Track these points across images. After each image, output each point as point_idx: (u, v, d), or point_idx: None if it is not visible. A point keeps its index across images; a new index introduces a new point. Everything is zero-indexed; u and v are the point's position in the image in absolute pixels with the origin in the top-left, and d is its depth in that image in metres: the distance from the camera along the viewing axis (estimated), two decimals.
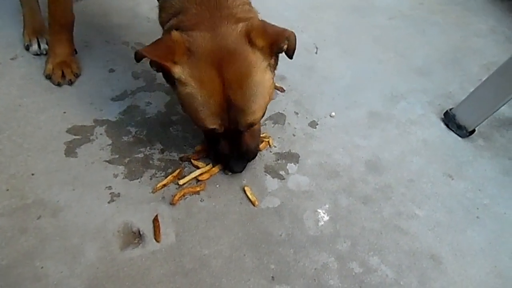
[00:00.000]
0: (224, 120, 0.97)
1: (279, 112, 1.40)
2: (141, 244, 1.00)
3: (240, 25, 0.94)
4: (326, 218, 1.12)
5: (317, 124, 1.38)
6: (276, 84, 1.49)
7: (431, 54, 1.81)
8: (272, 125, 1.35)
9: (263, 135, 1.28)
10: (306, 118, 1.40)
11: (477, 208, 1.23)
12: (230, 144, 1.06)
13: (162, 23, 1.05)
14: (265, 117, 1.36)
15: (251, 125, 1.02)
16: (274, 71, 1.03)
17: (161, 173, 1.15)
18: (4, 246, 0.95)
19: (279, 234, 1.07)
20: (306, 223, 1.10)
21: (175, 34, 0.92)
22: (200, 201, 1.10)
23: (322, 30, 1.82)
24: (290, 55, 1.02)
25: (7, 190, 1.04)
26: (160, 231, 1.02)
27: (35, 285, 0.90)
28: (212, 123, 0.97)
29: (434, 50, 1.84)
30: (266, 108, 1.03)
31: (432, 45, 1.87)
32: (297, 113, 1.41)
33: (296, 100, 1.46)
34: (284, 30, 0.97)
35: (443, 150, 1.39)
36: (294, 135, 1.33)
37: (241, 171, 1.12)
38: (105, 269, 0.94)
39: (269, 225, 1.08)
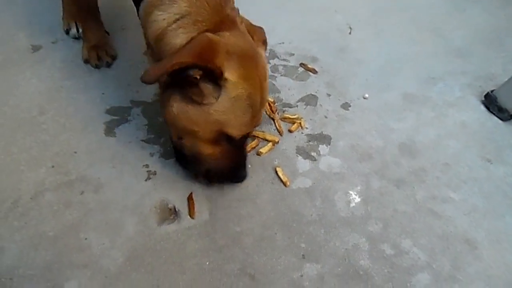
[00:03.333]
0: (256, 121, 0.98)
1: (311, 94, 1.39)
2: (176, 220, 1.04)
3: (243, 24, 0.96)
4: (357, 199, 1.12)
5: (350, 106, 1.37)
6: (308, 66, 1.47)
7: (472, 34, 1.73)
8: (304, 107, 1.34)
9: (295, 116, 1.28)
10: (339, 100, 1.38)
11: None
12: (236, 152, 1.01)
13: (159, 24, 0.90)
14: (296, 98, 1.37)
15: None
16: None
17: None
18: (51, 218, 1.01)
19: (310, 214, 1.08)
20: (337, 204, 1.11)
21: (211, 35, 0.85)
22: None
23: (356, 10, 1.77)
24: None
25: (53, 167, 1.11)
26: (195, 208, 1.05)
27: (79, 255, 0.96)
28: (248, 127, 0.95)
29: (475, 29, 1.75)
30: None
31: (473, 24, 1.78)
32: (329, 95, 1.39)
33: (329, 82, 1.44)
34: (262, 29, 1.04)
35: (482, 134, 1.34)
36: (326, 117, 1.32)
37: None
38: (143, 242, 0.99)
39: (300, 205, 1.09)
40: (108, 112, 1.26)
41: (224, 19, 0.89)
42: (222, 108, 0.89)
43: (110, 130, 1.21)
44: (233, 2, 0.94)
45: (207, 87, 0.87)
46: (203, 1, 0.87)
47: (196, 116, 0.91)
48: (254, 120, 0.96)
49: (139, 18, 0.98)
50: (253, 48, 0.92)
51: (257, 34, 0.98)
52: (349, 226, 1.06)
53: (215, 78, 0.86)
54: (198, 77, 0.85)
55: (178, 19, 0.87)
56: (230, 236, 1.02)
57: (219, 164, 1.01)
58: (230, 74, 0.86)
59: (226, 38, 0.87)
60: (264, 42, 0.99)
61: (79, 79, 1.34)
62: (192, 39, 0.86)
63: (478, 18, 1.82)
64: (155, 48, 0.93)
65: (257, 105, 0.93)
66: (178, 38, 0.87)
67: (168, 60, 0.83)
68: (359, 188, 1.15)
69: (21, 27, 1.49)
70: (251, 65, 0.90)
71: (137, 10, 0.98)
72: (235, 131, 0.94)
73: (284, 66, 1.47)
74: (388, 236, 1.05)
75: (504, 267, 1.03)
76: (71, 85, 1.32)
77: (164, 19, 0.88)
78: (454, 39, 1.70)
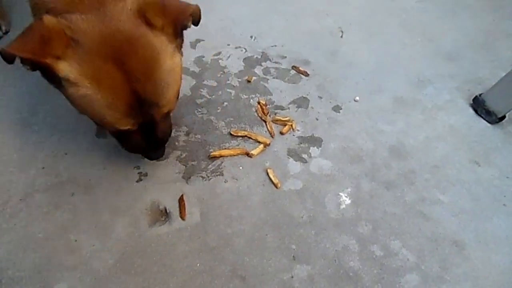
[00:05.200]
0: (136, 117, 0.82)
1: (302, 96, 1.40)
2: (167, 222, 1.04)
3: (129, 1, 0.74)
4: (348, 201, 1.13)
5: (341, 109, 1.38)
6: (300, 68, 1.49)
7: (461, 38, 1.75)
8: (296, 109, 1.35)
9: (287, 118, 1.29)
10: (330, 102, 1.40)
11: (504, 196, 1.20)
12: (144, 136, 0.90)
13: (33, 6, 0.80)
14: (288, 100, 1.37)
15: (167, 114, 0.89)
16: (181, 50, 0.86)
17: (186, 154, 1.18)
18: (41, 220, 1.01)
19: (300, 216, 1.09)
20: (328, 206, 1.12)
21: (48, 19, 0.70)
22: (224, 182, 1.13)
23: (348, 14, 1.79)
24: (195, 25, 0.85)
25: (43, 168, 1.10)
26: (186, 210, 1.05)
27: (69, 256, 0.95)
28: (124, 124, 0.82)
29: (464, 34, 1.78)
30: (179, 92, 0.89)
31: (462, 28, 1.81)
32: (320, 97, 1.41)
33: (320, 85, 1.45)
34: (188, 5, 0.81)
35: (470, 137, 1.36)
36: (317, 119, 1.33)
37: (162, 156, 1.04)
38: (134, 244, 0.99)
39: (291, 207, 1.10)
40: None
41: None
42: (75, 105, 0.80)
43: (101, 131, 1.21)
44: None
45: (54, 81, 0.76)
46: None
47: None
48: (129, 119, 0.81)
49: None
50: (121, 36, 0.73)
51: (167, 14, 0.77)
52: (339, 227, 1.07)
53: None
54: (29, 68, 0.74)
55: None
56: (221, 238, 1.02)
57: (132, 143, 0.93)
58: (69, 72, 0.72)
59: (74, 23, 0.71)
60: (175, 25, 0.78)
61: None
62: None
63: (468, 22, 1.85)
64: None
65: (118, 108, 0.78)
66: (32, 18, 0.75)
67: (7, 48, 0.72)
68: (349, 190, 1.16)
69: (12, 27, 1.48)
70: (108, 59, 0.72)
71: None
72: (109, 127, 0.85)
73: (276, 68, 1.48)
74: (378, 238, 1.07)
75: (491, 267, 1.04)
76: None
77: None
78: (444, 43, 1.72)
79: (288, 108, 1.35)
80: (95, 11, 0.72)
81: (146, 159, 1.15)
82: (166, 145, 1.19)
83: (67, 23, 0.71)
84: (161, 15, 0.76)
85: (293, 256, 1.01)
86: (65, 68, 0.72)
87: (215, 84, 1.38)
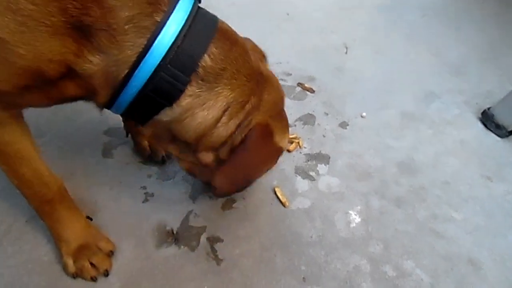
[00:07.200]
0: None
1: (308, 113, 1.39)
2: (174, 243, 1.02)
3: (256, 58, 0.83)
4: (357, 220, 1.11)
5: (348, 125, 1.37)
6: (306, 85, 1.48)
7: (467, 52, 1.75)
8: (302, 126, 1.34)
9: (293, 136, 1.28)
10: (336, 119, 1.39)
11: None
12: None
13: (207, 124, 0.73)
14: (294, 118, 1.37)
15: None
16: None
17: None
18: (46, 243, 1.00)
19: (309, 236, 1.06)
20: (337, 225, 1.09)
21: (260, 122, 0.78)
22: (231, 201, 1.12)
23: (352, 30, 1.80)
24: None
25: None
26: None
27: (75, 280, 0.93)
28: None
29: (470, 47, 1.78)
30: None
31: (468, 42, 1.81)
32: (327, 114, 1.40)
33: (326, 101, 1.45)
34: (247, 39, 0.90)
35: (481, 151, 1.33)
36: (324, 136, 1.32)
37: None
38: (141, 266, 0.97)
39: (299, 226, 1.08)
40: (106, 133, 1.25)
41: (259, 79, 0.77)
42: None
43: (108, 151, 1.20)
44: (244, 42, 0.79)
45: None
46: (240, 74, 0.72)
47: None
48: None
49: (157, 129, 0.78)
50: (277, 87, 0.85)
51: (257, 51, 0.88)
52: (349, 247, 1.05)
53: None
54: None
55: (225, 110, 0.73)
56: (228, 259, 1.00)
57: None
58: (279, 137, 0.85)
59: (267, 105, 0.79)
60: (264, 57, 0.91)
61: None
62: (238, 126, 0.75)
63: (474, 36, 1.85)
64: (193, 144, 0.78)
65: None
66: (229, 129, 0.75)
67: (238, 175, 0.84)
68: (359, 208, 1.14)
69: None
70: (282, 107, 0.88)
71: (143, 123, 0.76)
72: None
73: (282, 86, 1.48)
74: (390, 257, 1.04)
75: (510, 287, 1.01)
76: (69, 107, 1.32)
77: (212, 116, 0.72)
78: (450, 57, 1.71)
79: (295, 125, 1.34)
80: (266, 82, 0.80)
81: (152, 179, 1.14)
82: (172, 163, 1.19)
83: (262, 107, 0.79)
84: (255, 52, 0.86)
85: (303, 278, 0.98)
86: (279, 137, 0.85)
87: None
